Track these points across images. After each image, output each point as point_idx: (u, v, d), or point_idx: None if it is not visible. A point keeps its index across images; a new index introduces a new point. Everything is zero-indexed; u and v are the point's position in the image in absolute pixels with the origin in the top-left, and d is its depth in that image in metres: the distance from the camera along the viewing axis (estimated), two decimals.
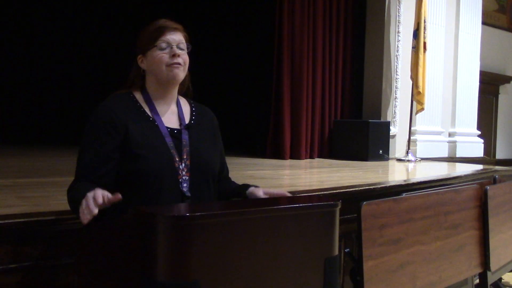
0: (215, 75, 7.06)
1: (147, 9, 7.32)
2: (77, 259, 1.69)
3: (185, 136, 1.76)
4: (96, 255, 1.45)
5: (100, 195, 1.41)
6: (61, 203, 1.69)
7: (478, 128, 7.44)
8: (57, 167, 4.03)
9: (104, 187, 1.62)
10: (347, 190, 3.09)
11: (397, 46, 6.30)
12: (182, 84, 1.86)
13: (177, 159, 1.69)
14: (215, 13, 7.30)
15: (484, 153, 7.60)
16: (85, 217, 1.39)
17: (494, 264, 2.90)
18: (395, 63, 6.31)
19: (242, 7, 6.72)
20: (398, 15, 6.28)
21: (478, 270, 2.85)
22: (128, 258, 1.37)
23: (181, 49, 1.76)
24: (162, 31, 1.75)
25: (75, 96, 7.26)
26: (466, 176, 4.40)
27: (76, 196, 1.56)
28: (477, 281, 2.95)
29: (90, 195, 1.42)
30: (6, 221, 1.79)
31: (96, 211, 1.38)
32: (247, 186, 1.87)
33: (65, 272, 1.85)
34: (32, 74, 7.29)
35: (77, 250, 1.66)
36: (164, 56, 1.73)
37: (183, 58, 1.76)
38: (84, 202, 1.41)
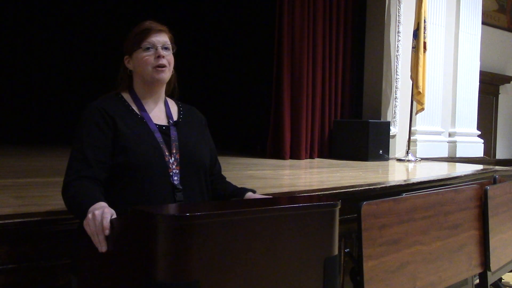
0: (215, 75, 7.06)
1: (146, 8, 7.32)
2: (76, 259, 1.68)
3: (173, 132, 1.80)
4: (96, 255, 1.44)
5: (108, 222, 1.43)
6: (61, 203, 1.69)
7: (478, 128, 7.44)
8: (57, 167, 4.02)
9: (98, 182, 1.64)
10: (347, 190, 3.08)
11: (397, 46, 6.30)
12: (168, 83, 1.89)
13: (166, 153, 1.74)
14: (215, 13, 7.30)
15: (484, 153, 7.60)
16: (101, 240, 1.42)
17: (494, 264, 2.90)
18: (395, 63, 6.31)
19: (242, 7, 6.71)
20: (398, 15, 6.28)
21: (478, 270, 2.85)
22: (127, 258, 1.37)
23: (166, 49, 1.80)
24: (147, 33, 1.79)
25: (74, 96, 7.25)
26: (466, 176, 4.40)
27: (78, 199, 1.57)
28: (477, 281, 2.94)
29: (98, 216, 1.43)
30: (5, 221, 1.79)
31: (107, 232, 1.42)
32: (244, 190, 1.89)
33: (64, 272, 1.85)
34: (32, 74, 7.29)
35: (76, 250, 1.65)
36: (150, 57, 1.78)
37: (168, 59, 1.81)
38: (92, 221, 1.43)
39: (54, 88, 7.35)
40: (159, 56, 1.77)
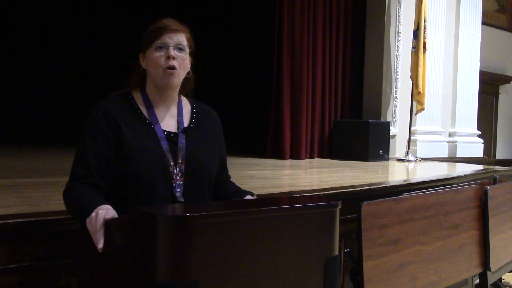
0: (216, 75, 7.06)
1: (147, 8, 7.32)
2: (76, 259, 1.68)
3: (181, 140, 1.73)
4: (96, 256, 1.44)
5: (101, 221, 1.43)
6: (61, 203, 1.69)
7: (478, 128, 7.44)
8: (57, 167, 4.02)
9: (100, 188, 1.62)
10: (347, 190, 3.08)
11: (397, 46, 6.30)
12: (184, 85, 1.82)
13: (171, 164, 1.67)
14: (215, 13, 7.30)
15: (484, 153, 7.60)
16: (98, 237, 1.42)
17: (494, 264, 2.90)
18: (395, 63, 6.31)
19: (243, 7, 6.72)
20: (398, 15, 6.28)
21: (478, 270, 2.85)
22: (127, 259, 1.37)
23: (180, 50, 1.72)
24: (160, 31, 1.71)
25: (75, 96, 7.27)
26: (466, 176, 4.40)
27: (80, 200, 1.56)
28: (477, 281, 2.94)
29: (100, 216, 1.44)
30: (5, 221, 1.79)
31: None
32: (242, 194, 1.84)
33: (65, 273, 1.85)
34: (32, 74, 7.29)
35: (77, 250, 1.65)
36: (160, 58, 1.70)
37: (180, 60, 1.72)
38: (94, 220, 1.44)
39: (54, 87, 7.36)
40: (169, 57, 1.68)
